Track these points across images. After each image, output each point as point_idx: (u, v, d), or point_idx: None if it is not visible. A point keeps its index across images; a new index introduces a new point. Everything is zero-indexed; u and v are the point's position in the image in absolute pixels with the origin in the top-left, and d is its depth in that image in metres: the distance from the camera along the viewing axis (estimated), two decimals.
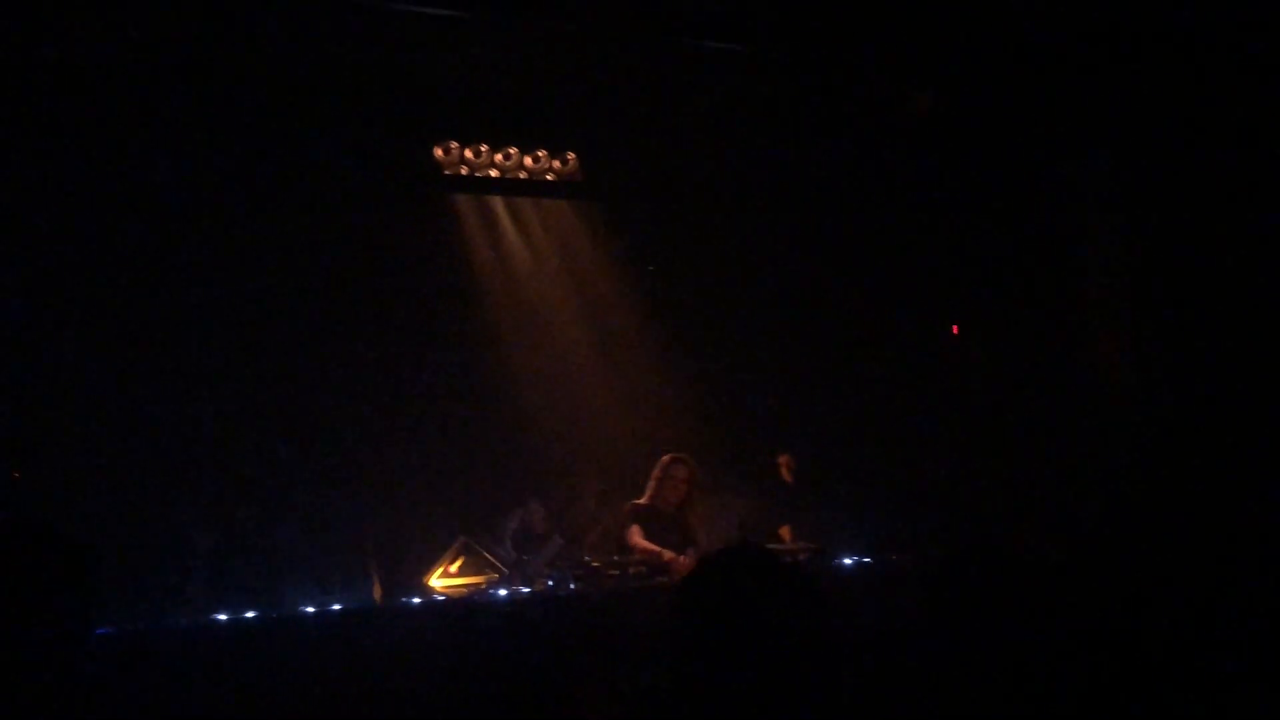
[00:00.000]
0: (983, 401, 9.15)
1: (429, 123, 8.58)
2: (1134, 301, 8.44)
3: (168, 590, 6.72)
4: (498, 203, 9.53)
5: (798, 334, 9.51)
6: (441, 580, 7.45)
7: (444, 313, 9.05)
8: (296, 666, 5.79)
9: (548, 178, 9.10)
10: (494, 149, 8.85)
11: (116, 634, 5.58)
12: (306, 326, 8.46)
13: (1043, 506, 8.30)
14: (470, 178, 8.89)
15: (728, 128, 8.81)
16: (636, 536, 7.44)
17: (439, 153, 8.71)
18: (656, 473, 7.71)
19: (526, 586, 7.16)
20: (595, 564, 7.20)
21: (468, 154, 8.78)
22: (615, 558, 7.30)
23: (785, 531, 8.11)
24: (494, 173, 8.93)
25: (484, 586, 7.30)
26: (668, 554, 7.27)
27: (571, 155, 9.05)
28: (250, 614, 6.33)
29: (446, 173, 8.78)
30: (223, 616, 6.26)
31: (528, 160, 8.98)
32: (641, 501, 7.67)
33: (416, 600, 7.12)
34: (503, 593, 7.02)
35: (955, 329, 9.58)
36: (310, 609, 6.53)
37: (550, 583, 7.15)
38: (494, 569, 7.48)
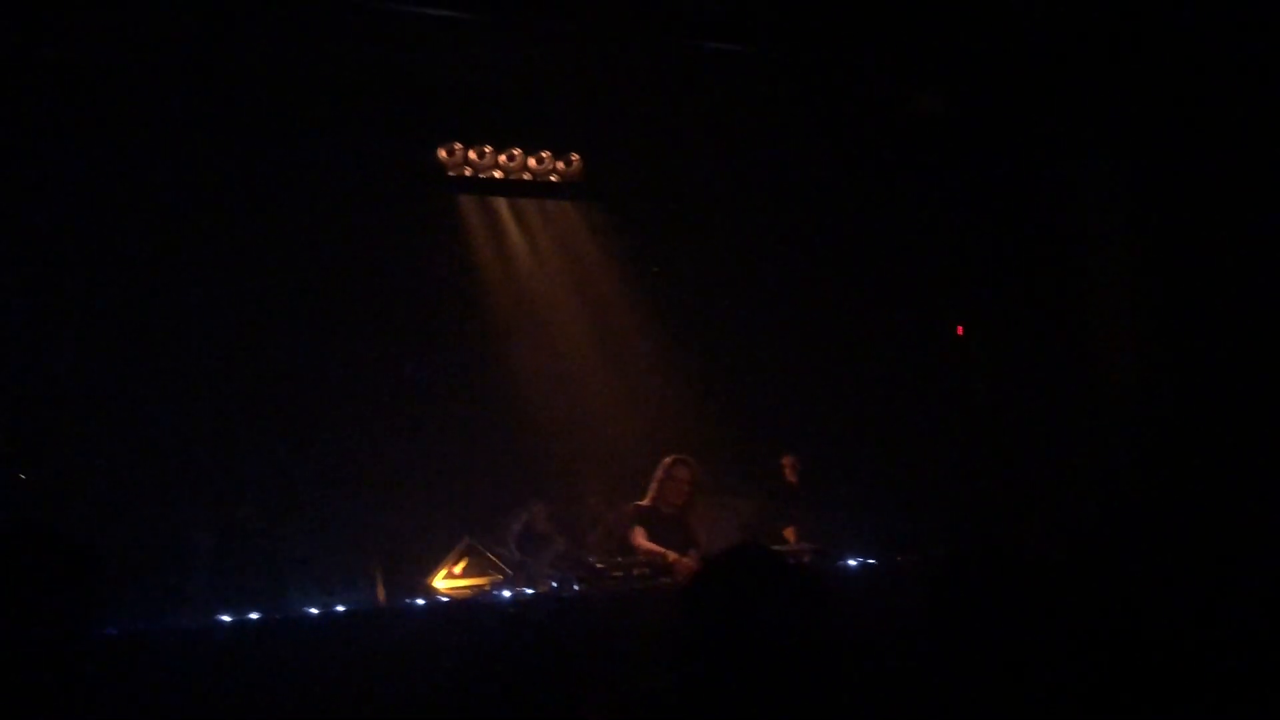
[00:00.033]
0: (986, 402, 9.14)
1: (433, 124, 8.59)
2: (1136, 303, 8.43)
3: (170, 591, 6.71)
4: (501, 204, 9.53)
5: (801, 335, 9.50)
6: (445, 581, 7.45)
7: (447, 313, 9.05)
8: (300, 668, 5.79)
9: (551, 179, 9.11)
10: (498, 150, 8.87)
11: (119, 635, 5.58)
12: (310, 327, 8.46)
13: (1046, 507, 8.29)
14: (474, 179, 8.90)
15: (731, 129, 8.81)
16: (640, 537, 7.44)
17: (443, 154, 8.73)
18: (659, 474, 7.71)
19: (530, 588, 7.15)
20: (599, 565, 7.20)
21: (472, 155, 8.80)
22: (619, 559, 7.30)
23: (789, 532, 8.10)
24: (498, 174, 8.95)
25: (487, 588, 7.30)
26: (671, 555, 7.28)
27: (575, 156, 9.06)
28: (254, 615, 6.33)
29: (450, 174, 8.80)
30: (226, 617, 6.26)
31: (531, 161, 9.00)
32: (644, 503, 7.67)
33: (420, 601, 7.12)
34: (506, 594, 7.03)
35: (960, 330, 9.57)
36: (314, 610, 6.53)
37: (554, 584, 7.15)
38: (498, 570, 7.49)
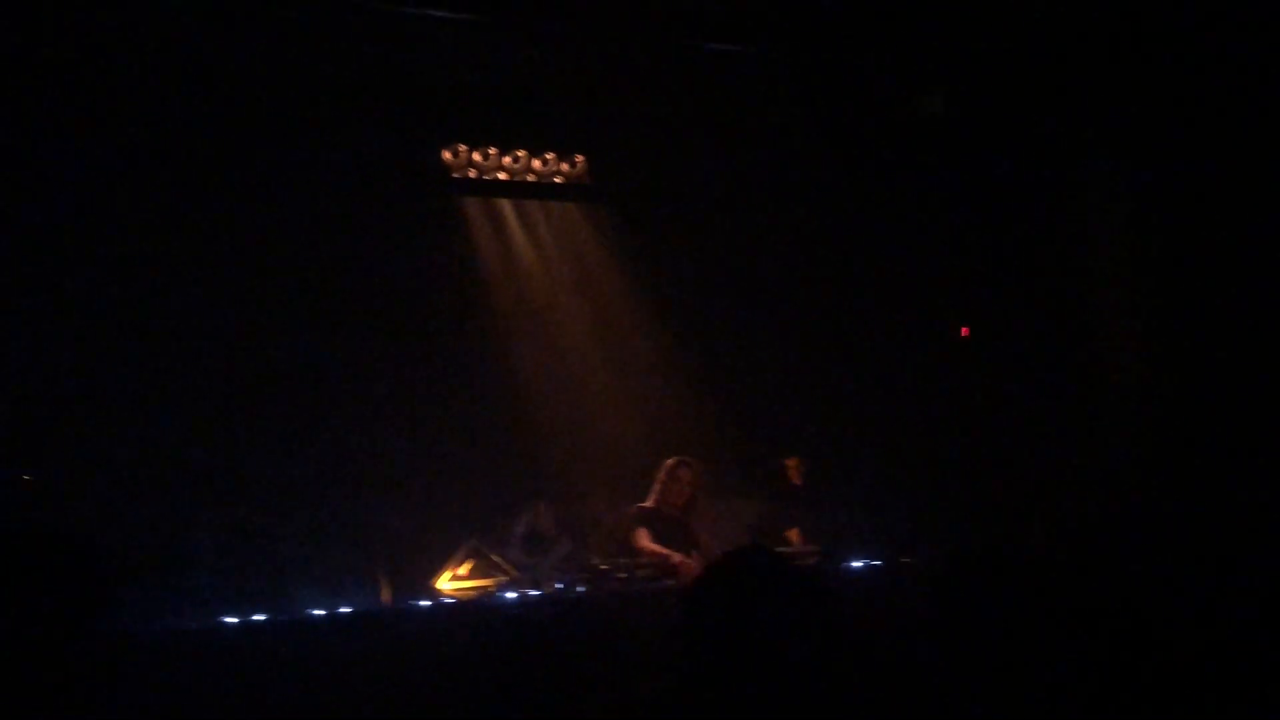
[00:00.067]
0: (991, 404, 9.13)
1: (437, 126, 8.58)
2: (1139, 304, 8.43)
3: (172, 592, 6.71)
4: (506, 205, 9.52)
5: (805, 336, 9.50)
6: (450, 583, 7.45)
7: (451, 314, 9.05)
8: (304, 669, 5.79)
9: (556, 180, 9.10)
10: (502, 152, 8.86)
11: (121, 636, 5.58)
12: (314, 328, 8.45)
13: (1050, 508, 8.28)
14: (479, 180, 8.89)
15: (735, 130, 8.80)
16: (644, 539, 7.44)
17: (447, 155, 8.72)
18: (661, 475, 7.72)
19: (535, 589, 7.15)
20: (603, 567, 7.19)
21: (476, 157, 8.79)
22: (622, 560, 7.30)
23: (793, 534, 8.10)
24: (502, 175, 8.94)
25: (492, 589, 7.29)
26: (676, 556, 7.28)
27: (580, 158, 9.06)
28: (257, 616, 6.33)
29: (455, 175, 8.79)
30: (230, 619, 6.26)
31: (536, 163, 8.99)
32: (646, 504, 7.68)
33: (425, 603, 7.12)
34: (511, 595, 7.02)
35: (965, 331, 9.56)
36: (318, 611, 6.53)
37: (558, 585, 7.14)
38: (502, 571, 7.48)
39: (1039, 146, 8.65)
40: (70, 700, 2.39)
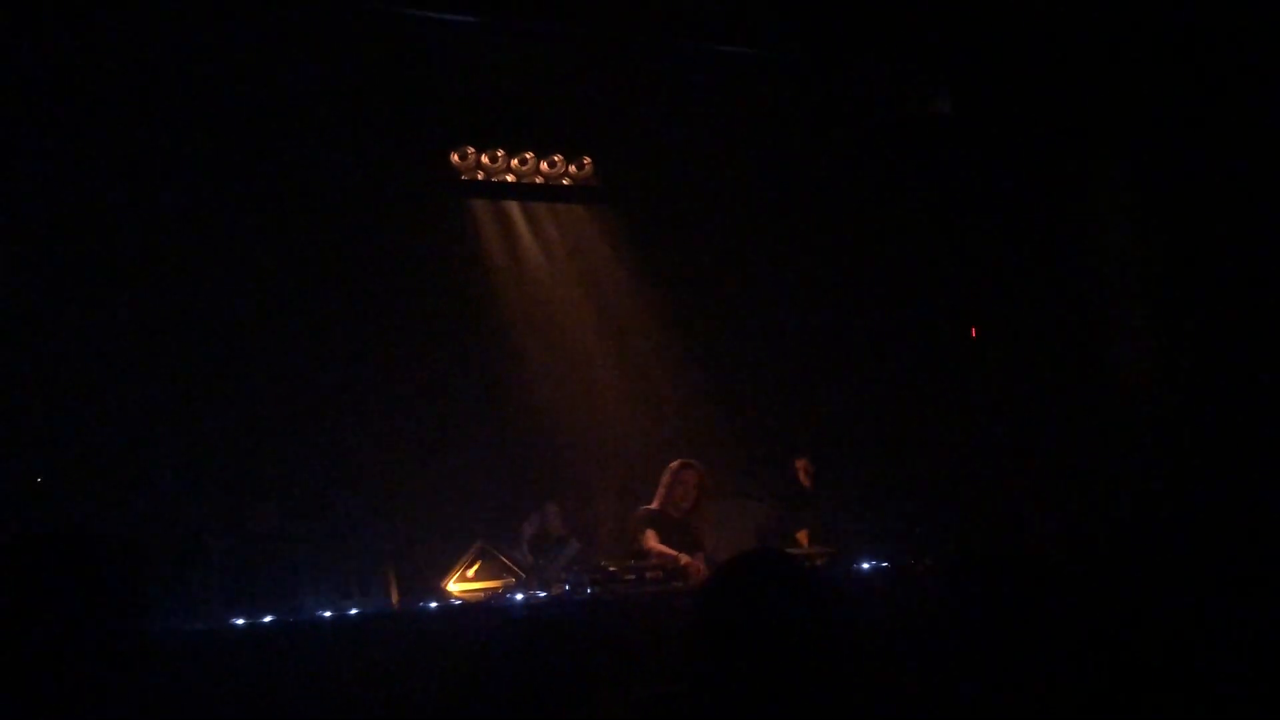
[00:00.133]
0: (1000, 405, 9.11)
1: (445, 128, 8.60)
2: (1149, 304, 8.40)
3: (182, 594, 6.71)
4: (514, 208, 9.54)
5: (814, 338, 9.49)
6: (458, 584, 7.46)
7: (460, 317, 9.06)
8: (313, 671, 5.79)
9: (564, 183, 9.12)
10: (510, 154, 8.88)
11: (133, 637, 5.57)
12: (323, 331, 8.47)
13: (1060, 510, 8.26)
14: (487, 183, 8.92)
15: (743, 132, 8.81)
16: (652, 540, 7.45)
17: (455, 158, 8.74)
18: (666, 478, 7.72)
19: (543, 591, 7.15)
20: (612, 568, 7.19)
21: (484, 159, 8.81)
22: (631, 562, 7.30)
23: (802, 536, 8.09)
24: (510, 178, 8.96)
25: (501, 590, 7.29)
26: (684, 558, 7.28)
27: (588, 160, 9.07)
28: (267, 618, 6.33)
29: (463, 178, 8.82)
30: (239, 620, 6.26)
31: (544, 165, 9.01)
32: (652, 506, 7.68)
33: (433, 604, 7.12)
34: (519, 597, 7.02)
35: (973, 332, 9.55)
36: (326, 613, 6.53)
37: (567, 587, 7.14)
38: (511, 573, 7.48)
39: (1047, 147, 8.63)
40: (75, 701, 2.39)
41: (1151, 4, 7.44)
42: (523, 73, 7.95)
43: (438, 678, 5.85)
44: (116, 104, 7.39)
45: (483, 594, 7.32)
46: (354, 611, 6.64)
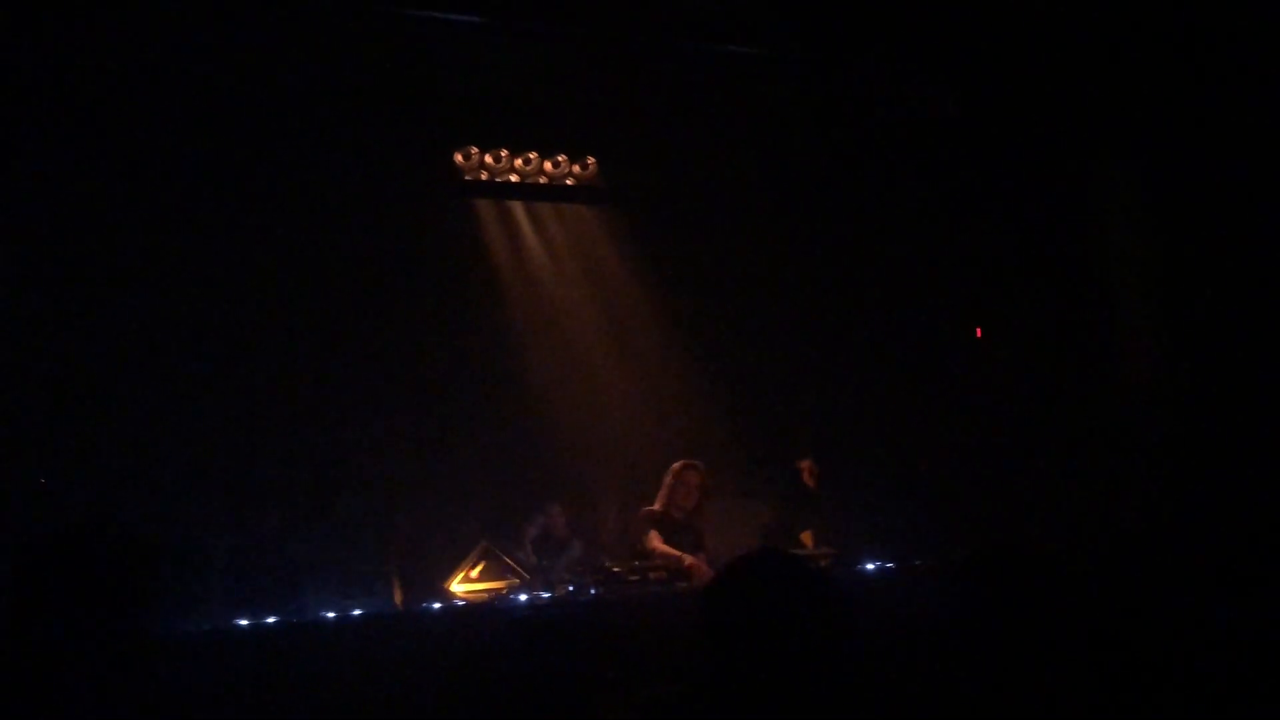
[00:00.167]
0: (1006, 405, 9.10)
1: (449, 128, 8.60)
2: (1156, 304, 8.40)
3: (185, 595, 6.71)
4: (518, 208, 9.53)
5: (819, 338, 9.48)
6: (462, 585, 7.45)
7: (464, 318, 9.06)
8: (316, 672, 5.78)
9: (568, 182, 9.11)
10: (514, 154, 8.88)
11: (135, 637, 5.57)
12: (326, 331, 8.48)
13: (1065, 511, 8.25)
14: (490, 183, 8.91)
15: (746, 132, 8.79)
16: (656, 541, 7.45)
17: (459, 158, 8.74)
18: (668, 479, 7.72)
19: (547, 591, 7.15)
20: (616, 569, 7.18)
21: (488, 159, 8.81)
22: (635, 563, 7.29)
23: (807, 537, 8.07)
24: (514, 178, 8.96)
25: (504, 591, 7.29)
26: (688, 559, 7.27)
27: (591, 160, 9.07)
28: (270, 619, 6.32)
29: (467, 178, 8.81)
30: (243, 621, 6.26)
31: (547, 165, 9.01)
32: (655, 508, 7.68)
33: (437, 605, 7.11)
34: (523, 598, 7.01)
35: (979, 332, 9.54)
36: (330, 614, 6.52)
37: (571, 588, 7.14)
38: (515, 574, 7.48)
39: (1052, 148, 8.62)
40: (80, 700, 2.39)
41: (1156, 5, 7.42)
42: (526, 73, 7.95)
43: (441, 678, 5.84)
44: (120, 104, 7.39)
45: (486, 595, 7.32)
46: (358, 612, 6.62)
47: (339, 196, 8.25)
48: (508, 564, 7.53)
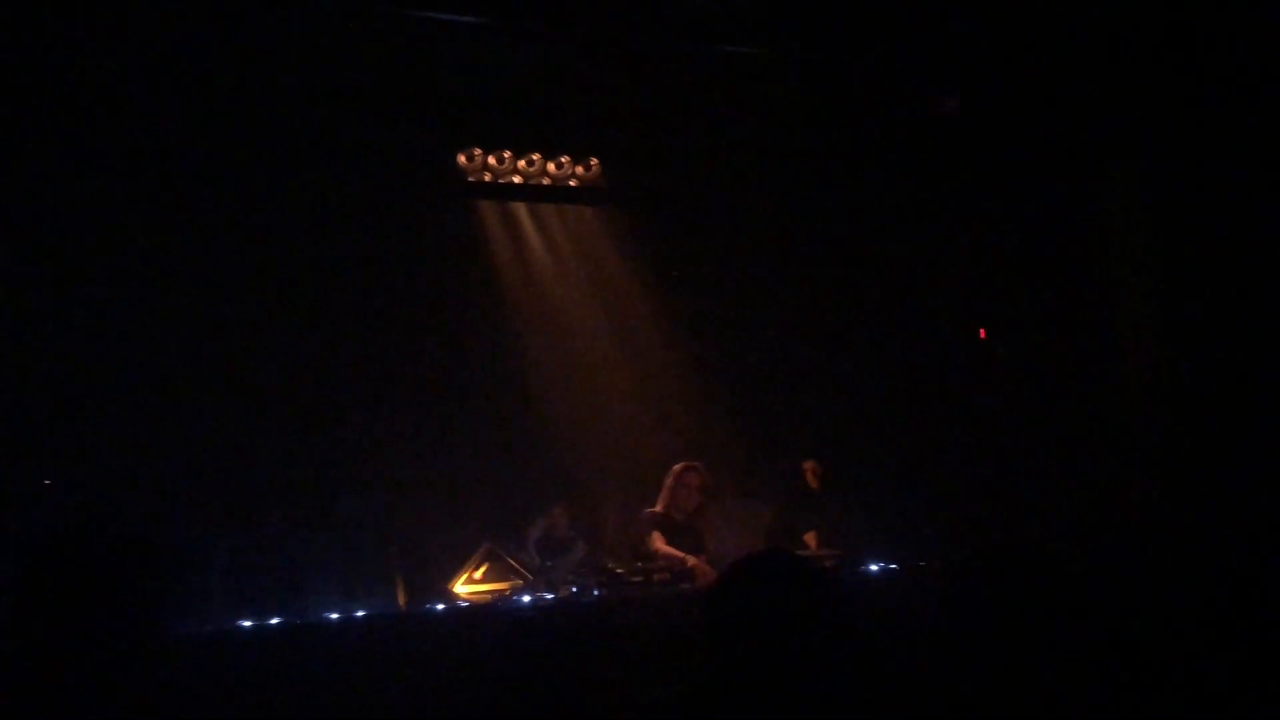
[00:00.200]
0: (1009, 406, 9.09)
1: (452, 130, 8.60)
2: (1159, 305, 8.39)
3: (188, 596, 6.70)
4: (521, 209, 9.53)
5: (822, 339, 9.48)
6: (466, 586, 7.45)
7: (468, 319, 9.07)
8: (319, 673, 5.79)
9: (571, 184, 9.11)
10: (517, 155, 8.88)
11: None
12: (329, 332, 8.48)
13: (1068, 512, 8.24)
14: (494, 184, 8.91)
15: (750, 133, 8.79)
16: (659, 542, 7.45)
17: (462, 160, 8.74)
18: (669, 481, 7.73)
19: (550, 593, 7.15)
20: (618, 570, 7.19)
21: (491, 161, 8.81)
22: (638, 564, 7.30)
23: (810, 538, 8.07)
24: (517, 179, 8.95)
25: (508, 593, 7.29)
26: (691, 559, 7.28)
27: (594, 161, 9.07)
28: (273, 620, 6.32)
29: (470, 179, 8.82)
30: (245, 623, 6.25)
31: (551, 166, 9.00)
32: (656, 509, 7.68)
33: (440, 606, 7.11)
34: (527, 599, 7.01)
35: (982, 333, 9.53)
36: (333, 615, 6.52)
37: (574, 589, 7.14)
38: (518, 575, 7.48)
39: (1056, 148, 8.61)
40: (80, 703, 2.39)
41: (1160, 5, 7.42)
42: (529, 74, 7.95)
43: (445, 679, 5.84)
44: (120, 104, 7.39)
45: (490, 596, 7.32)
46: (361, 613, 6.62)
47: (342, 198, 8.25)
48: (511, 565, 7.53)
